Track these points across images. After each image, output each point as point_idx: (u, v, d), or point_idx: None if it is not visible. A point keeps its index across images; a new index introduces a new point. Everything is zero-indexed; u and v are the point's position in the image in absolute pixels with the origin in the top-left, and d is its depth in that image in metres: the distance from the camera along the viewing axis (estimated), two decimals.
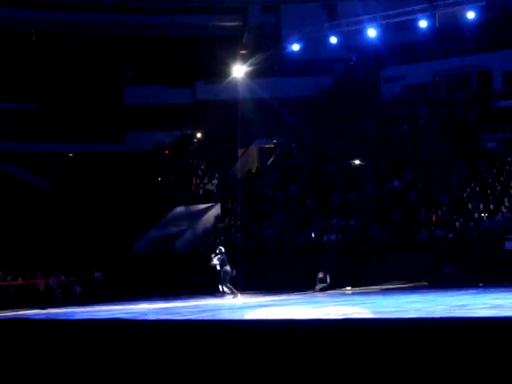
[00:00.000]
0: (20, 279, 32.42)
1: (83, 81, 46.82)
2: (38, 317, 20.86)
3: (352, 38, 41.56)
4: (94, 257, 34.83)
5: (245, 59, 46.39)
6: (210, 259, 26.48)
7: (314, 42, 41.45)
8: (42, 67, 46.51)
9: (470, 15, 37.78)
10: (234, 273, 26.66)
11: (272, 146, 44.51)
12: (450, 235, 30.89)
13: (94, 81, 47.03)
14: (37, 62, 46.46)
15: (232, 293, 25.74)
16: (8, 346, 10.41)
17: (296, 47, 41.06)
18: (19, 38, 46.22)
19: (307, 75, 46.27)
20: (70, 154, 46.14)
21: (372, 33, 38.93)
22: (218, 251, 26.44)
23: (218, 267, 26.02)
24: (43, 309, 26.76)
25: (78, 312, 23.79)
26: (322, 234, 34.12)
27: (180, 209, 40.03)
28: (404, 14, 38.73)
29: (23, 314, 23.44)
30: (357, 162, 38.26)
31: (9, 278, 32.49)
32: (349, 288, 29.67)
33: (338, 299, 23.74)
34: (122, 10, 47.50)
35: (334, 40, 40.42)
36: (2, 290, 31.77)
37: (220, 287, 26.04)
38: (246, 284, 30.35)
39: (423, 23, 38.83)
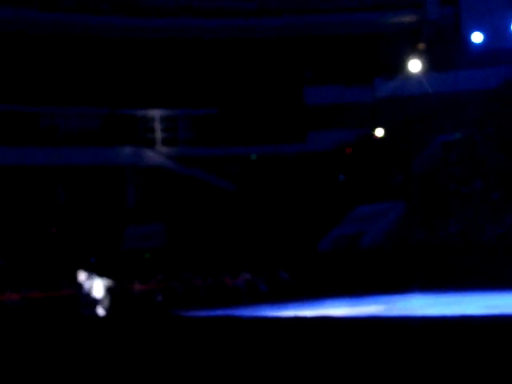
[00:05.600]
0: (211, 279, 33.38)
1: (263, 84, 47.65)
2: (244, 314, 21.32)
3: None
4: (279, 256, 35.39)
5: (424, 53, 45.71)
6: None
7: (497, 31, 40.20)
8: (222, 73, 47.71)
9: None
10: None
11: (455, 140, 43.46)
12: None
13: (274, 83, 47.76)
14: (216, 67, 47.72)
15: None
16: (213, 343, 10.56)
17: (477, 37, 39.96)
18: (197, 45, 47.66)
19: (489, 66, 44.81)
20: (253, 157, 47.07)
21: None
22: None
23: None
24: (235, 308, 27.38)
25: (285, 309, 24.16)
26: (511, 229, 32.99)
27: (363, 206, 39.88)
28: None
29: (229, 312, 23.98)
30: None
31: (198, 279, 33.53)
32: None
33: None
34: (300, 11, 47.97)
35: None
36: (191, 291, 32.84)
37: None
38: (429, 282, 29.88)
39: None
